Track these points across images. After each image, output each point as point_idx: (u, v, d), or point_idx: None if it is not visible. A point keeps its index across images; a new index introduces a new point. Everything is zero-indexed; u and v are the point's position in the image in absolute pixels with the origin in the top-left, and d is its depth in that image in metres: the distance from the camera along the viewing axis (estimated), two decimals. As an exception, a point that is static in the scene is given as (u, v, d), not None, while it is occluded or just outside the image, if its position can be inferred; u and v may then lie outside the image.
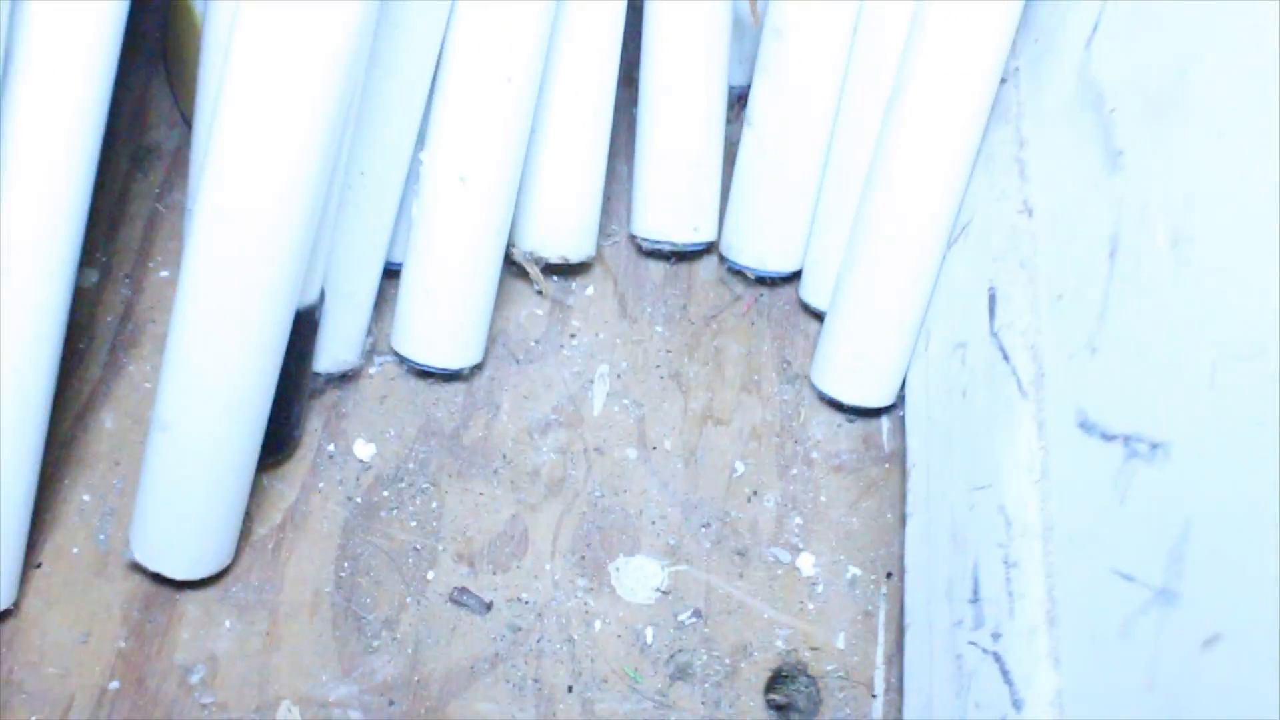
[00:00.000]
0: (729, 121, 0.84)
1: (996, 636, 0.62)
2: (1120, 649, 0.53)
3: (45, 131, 0.62)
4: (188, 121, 0.82)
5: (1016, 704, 0.59)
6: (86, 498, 0.73)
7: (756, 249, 0.83)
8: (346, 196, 0.70)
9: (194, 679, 0.68)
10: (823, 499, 0.78)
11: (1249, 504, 0.46)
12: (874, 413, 0.81)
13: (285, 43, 0.57)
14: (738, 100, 0.87)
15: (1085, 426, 0.60)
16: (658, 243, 0.83)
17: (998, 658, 0.61)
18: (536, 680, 0.70)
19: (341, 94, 0.60)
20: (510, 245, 0.80)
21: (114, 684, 0.68)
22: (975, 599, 0.64)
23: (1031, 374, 0.66)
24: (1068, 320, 0.64)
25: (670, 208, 0.82)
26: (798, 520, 0.77)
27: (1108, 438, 0.58)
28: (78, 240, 0.64)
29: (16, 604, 0.69)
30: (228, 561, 0.71)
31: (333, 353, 0.76)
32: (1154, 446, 0.54)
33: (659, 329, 0.83)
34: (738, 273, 0.84)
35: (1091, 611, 0.56)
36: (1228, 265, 0.51)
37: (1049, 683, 0.58)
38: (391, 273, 0.78)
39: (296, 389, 0.73)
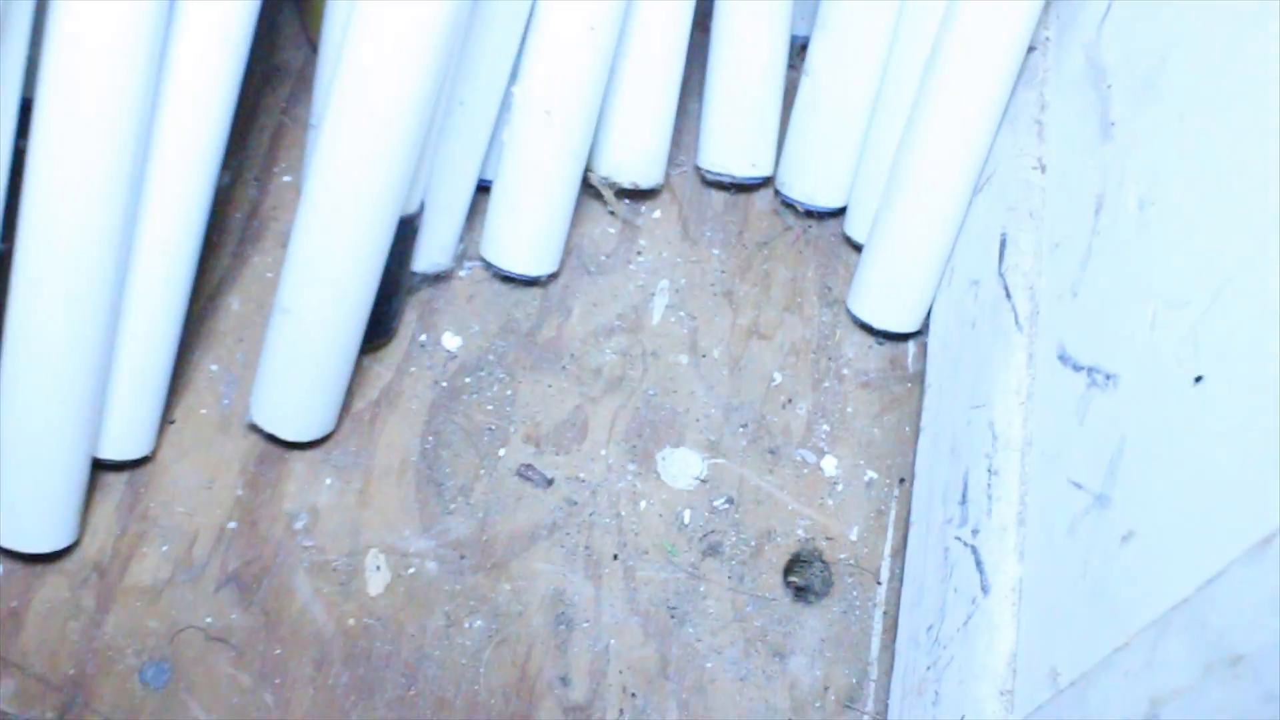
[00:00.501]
0: (790, 68, 0.94)
1: (975, 532, 0.72)
2: (1066, 544, 0.64)
3: (201, 55, 0.73)
4: (313, 46, 0.93)
5: (985, 588, 0.69)
6: (214, 367, 0.86)
7: (807, 185, 0.93)
8: (447, 122, 0.81)
9: (298, 525, 0.81)
10: (849, 410, 0.88)
11: (1166, 428, 0.56)
12: (901, 337, 0.91)
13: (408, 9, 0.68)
14: (799, 49, 0.96)
15: (1063, 358, 0.70)
16: (719, 174, 0.93)
17: (975, 550, 0.72)
18: (587, 548, 0.82)
19: (449, 32, 0.70)
20: (588, 170, 0.90)
21: (232, 524, 0.81)
22: (963, 501, 0.75)
23: (1027, 311, 0.76)
24: (1059, 266, 0.73)
25: (732, 144, 0.93)
26: (825, 427, 0.87)
27: (1077, 369, 0.68)
28: (221, 146, 0.76)
29: (154, 453, 0.82)
30: (331, 428, 0.83)
31: (429, 256, 0.87)
32: (1108, 377, 0.64)
33: (716, 251, 0.93)
34: (790, 205, 0.94)
35: (1049, 513, 0.67)
36: (1175, 228, 0.61)
37: (1013, 572, 0.69)
38: (483, 188, 0.89)
39: (397, 285, 0.85)
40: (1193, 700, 0.43)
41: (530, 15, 0.82)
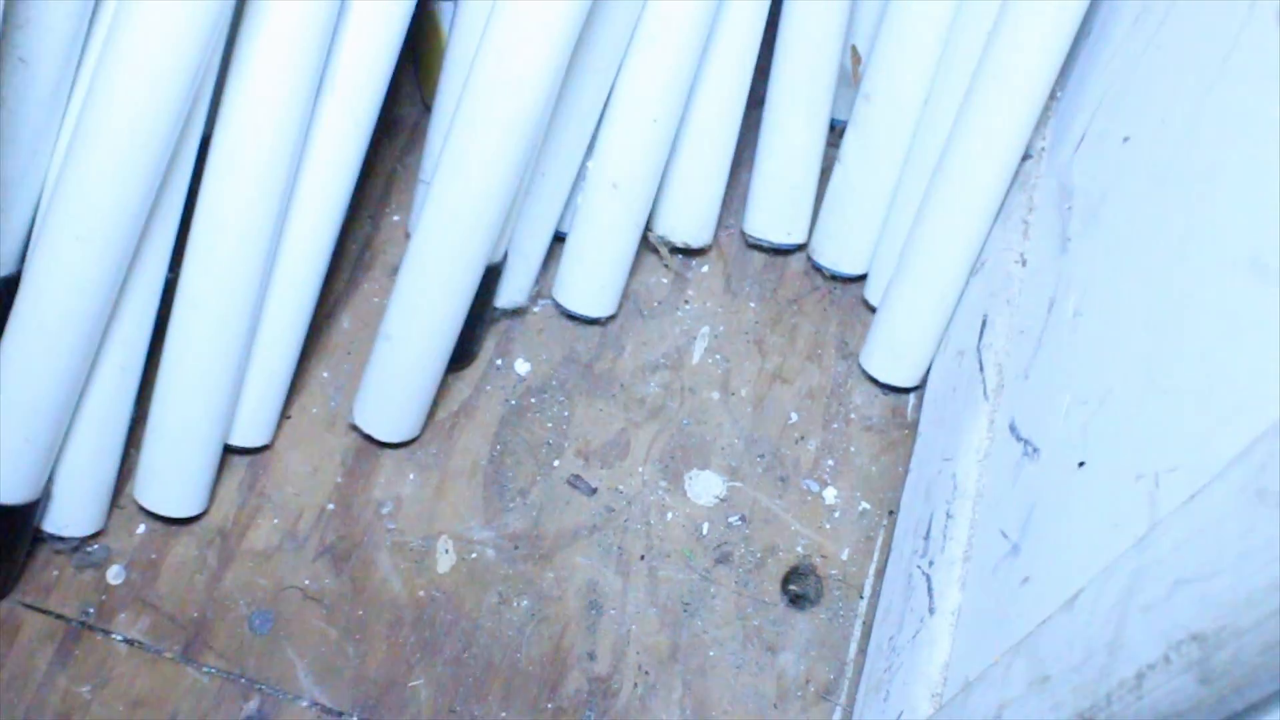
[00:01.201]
0: (829, 145, 1.10)
1: (931, 564, 0.88)
2: (990, 581, 0.79)
3: (339, 118, 0.90)
4: (427, 106, 1.10)
5: (931, 610, 0.85)
6: (325, 374, 1.03)
7: (835, 253, 1.09)
8: (531, 189, 0.98)
9: (384, 510, 0.99)
10: (852, 449, 1.04)
11: (1057, 499, 0.72)
12: (904, 391, 1.07)
13: (510, 74, 0.85)
14: (838, 131, 1.12)
15: (1012, 428, 0.86)
16: (760, 239, 1.10)
17: (928, 578, 0.87)
18: (620, 548, 0.99)
19: (536, 125, 0.87)
20: (647, 229, 1.07)
21: (330, 506, 0.99)
22: (927, 536, 0.91)
23: (994, 384, 0.91)
24: (1020, 350, 0.89)
25: (773, 214, 1.09)
26: (830, 462, 1.04)
27: (1019, 439, 0.83)
28: (349, 193, 0.93)
29: (272, 442, 1.00)
30: (417, 433, 1.01)
31: (509, 294, 1.04)
32: (1035, 450, 0.80)
33: (752, 304, 1.09)
34: (819, 269, 1.10)
35: (984, 554, 0.82)
36: (1092, 338, 0.76)
37: (954, 599, 0.84)
38: (559, 238, 1.06)
39: (480, 318, 1.02)
40: (1019, 707, 0.59)
41: (606, 104, 0.98)
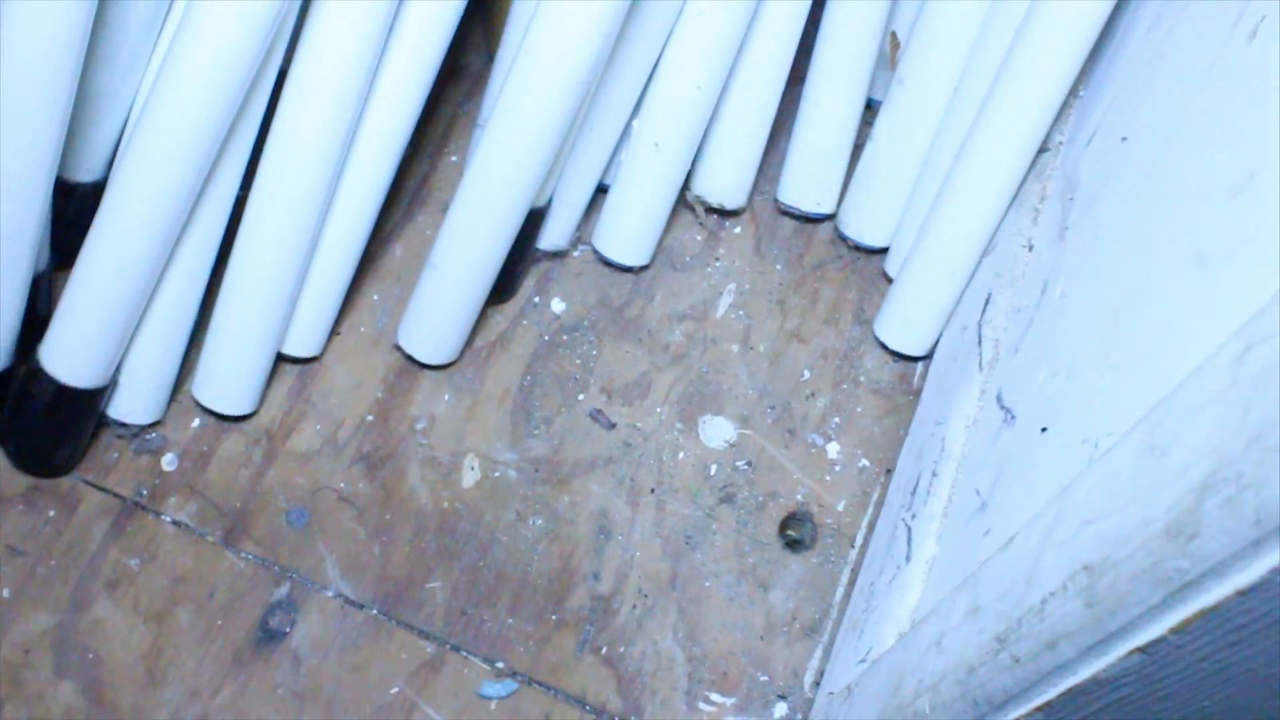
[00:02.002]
0: (864, 124, 1.16)
1: (914, 517, 0.95)
2: (961, 534, 0.87)
3: (406, 60, 0.98)
4: (491, 56, 1.18)
5: (908, 558, 0.93)
6: (375, 297, 1.12)
7: (860, 226, 1.16)
8: (579, 141, 1.06)
9: (419, 426, 1.07)
10: (858, 410, 1.11)
11: (1022, 461, 0.79)
12: (912, 359, 1.13)
13: (566, 32, 0.92)
14: (874, 110, 1.18)
15: (998, 398, 0.92)
16: (791, 207, 1.17)
17: (910, 529, 0.95)
18: (632, 480, 1.07)
19: (586, 79, 0.95)
20: (685, 188, 1.14)
21: (370, 417, 1.07)
22: (914, 492, 0.98)
23: (989, 358, 0.98)
24: (1014, 328, 0.96)
25: (806, 184, 1.16)
26: (836, 420, 1.11)
27: (1002, 408, 0.90)
28: (409, 131, 1.01)
29: (321, 355, 1.09)
30: (455, 358, 1.09)
31: (551, 237, 1.12)
32: (1013, 417, 0.87)
33: (779, 267, 1.17)
34: (844, 239, 1.17)
35: (960, 511, 0.89)
36: (1069, 319, 0.83)
37: (930, 550, 0.92)
38: (601, 189, 1.14)
39: (522, 256, 1.10)
40: (954, 633, 0.66)
41: (655, 68, 1.06)
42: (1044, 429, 0.77)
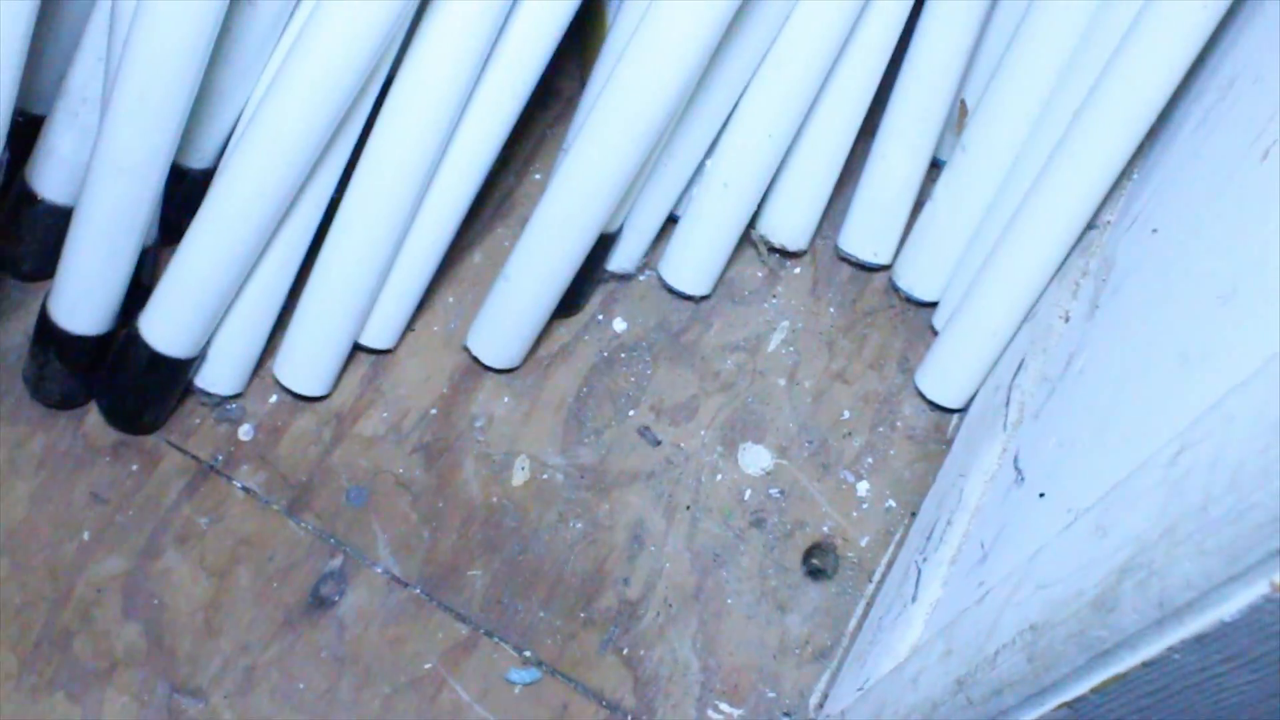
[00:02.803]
0: (927, 182, 1.23)
1: (925, 560, 1.01)
2: (962, 582, 0.93)
3: (504, 79, 1.06)
4: (583, 82, 1.25)
5: (914, 599, 0.99)
6: (450, 300, 1.20)
7: (913, 279, 1.22)
8: (653, 174, 1.13)
9: (477, 424, 1.15)
10: (892, 453, 1.18)
11: (1017, 521, 0.85)
12: (948, 411, 1.19)
13: (650, 72, 0.99)
14: (937, 170, 1.24)
15: (1015, 460, 0.98)
16: (850, 254, 1.23)
17: (920, 571, 1.01)
18: (670, 496, 1.14)
19: (666, 118, 1.02)
20: (751, 226, 1.21)
21: (433, 411, 1.15)
22: (929, 537, 1.04)
23: (1014, 419, 1.04)
24: (1039, 395, 1.02)
25: (865, 234, 1.22)
26: (869, 460, 1.17)
27: (1016, 469, 0.96)
28: (499, 146, 1.08)
29: (394, 348, 1.17)
30: (518, 364, 1.17)
31: (619, 260, 1.19)
32: (1023, 479, 0.93)
33: (832, 310, 1.23)
34: (897, 290, 1.24)
35: (966, 560, 0.96)
36: (1083, 395, 0.89)
37: (934, 593, 0.98)
38: (672, 219, 1.21)
39: (591, 275, 1.17)
40: (929, 673, 0.73)
41: (731, 113, 1.13)
42: (1041, 494, 0.83)
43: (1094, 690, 0.54)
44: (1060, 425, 0.90)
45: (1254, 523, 0.43)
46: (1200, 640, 0.47)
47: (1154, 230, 0.92)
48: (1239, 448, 0.45)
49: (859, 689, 0.96)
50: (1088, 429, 0.81)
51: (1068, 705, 0.56)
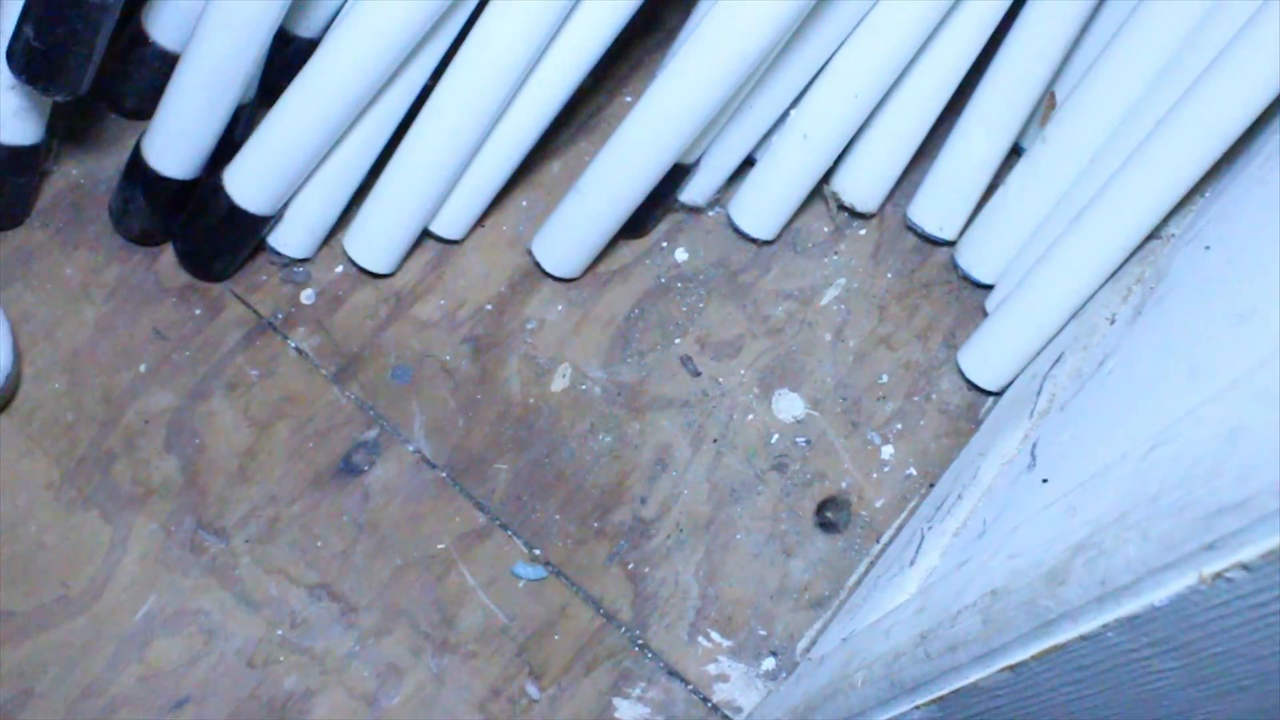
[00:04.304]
0: (1005, 166, 1.24)
1: (930, 528, 1.04)
2: (960, 552, 0.96)
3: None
4: (686, 14, 1.28)
5: (912, 562, 1.02)
6: (524, 203, 1.23)
7: (973, 259, 1.24)
8: (736, 115, 1.16)
9: (529, 326, 1.19)
10: (922, 423, 1.20)
11: (1021, 503, 0.88)
12: (984, 393, 1.22)
13: (736, 28, 1.02)
14: (1017, 154, 1.26)
15: (1034, 447, 1.01)
16: (917, 225, 1.25)
17: (923, 537, 1.04)
18: (700, 427, 1.17)
19: (753, 66, 1.04)
20: (825, 180, 1.23)
21: (489, 306, 1.19)
22: (939, 507, 1.07)
23: (1042, 409, 1.06)
24: (1069, 389, 1.04)
25: (935, 208, 1.24)
26: (898, 426, 1.20)
27: (1032, 456, 0.99)
28: (593, 62, 1.11)
29: (462, 240, 1.21)
30: (578, 275, 1.20)
31: (691, 193, 1.22)
32: (1034, 465, 0.95)
33: (890, 275, 1.26)
34: (956, 268, 1.26)
35: (968, 534, 0.98)
36: (1105, 397, 0.91)
37: (931, 561, 1.01)
38: (749, 161, 1.23)
39: (661, 202, 1.20)
40: (900, 628, 0.76)
41: (822, 68, 1.15)
42: (1045, 480, 0.85)
43: (1034, 657, 0.57)
44: (1079, 420, 0.92)
45: (1193, 516, 0.46)
46: (1132, 621, 0.50)
47: (1206, 247, 0.93)
48: (1197, 448, 0.48)
49: (843, 639, 1.00)
50: (1099, 427, 0.84)
51: (1010, 669, 0.59)
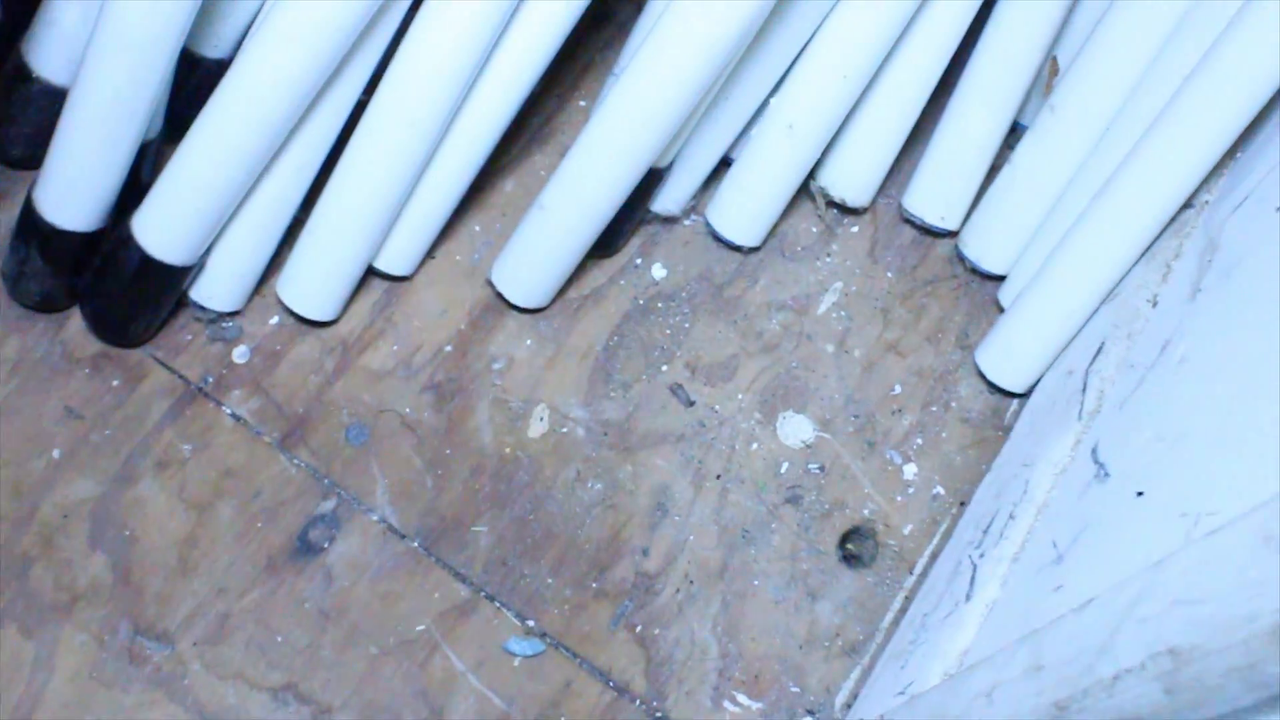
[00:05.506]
0: (1005, 146, 1.12)
1: (982, 555, 0.91)
2: (1028, 584, 0.83)
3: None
4: (638, 7, 1.15)
5: (968, 597, 0.89)
6: (477, 228, 1.09)
7: (981, 249, 1.11)
8: (711, 110, 1.03)
9: (495, 366, 1.05)
10: (943, 435, 1.07)
11: (1109, 521, 0.75)
12: (1008, 395, 1.09)
13: (710, 7, 0.89)
14: (1018, 133, 1.14)
15: (1093, 452, 0.88)
16: (914, 216, 1.13)
17: (975, 567, 0.91)
18: (700, 462, 1.04)
19: (734, 48, 0.91)
20: (810, 176, 1.11)
21: (448, 348, 1.05)
22: (986, 530, 0.94)
23: (1091, 408, 0.94)
24: (1124, 382, 0.91)
25: (933, 196, 1.11)
26: (919, 441, 1.07)
27: (1096, 462, 0.86)
28: (541, 69, 0.98)
29: (412, 276, 1.06)
30: (545, 304, 1.06)
31: (665, 201, 1.09)
32: (1106, 474, 0.82)
33: (889, 274, 1.13)
34: (962, 259, 1.13)
35: (1032, 559, 0.86)
36: (1187, 385, 0.79)
37: (992, 592, 0.88)
38: (725, 163, 1.10)
39: (632, 214, 1.06)
40: (1008, 688, 0.63)
41: (804, 49, 1.02)
42: (1140, 493, 0.73)
43: (1257, 737, 0.43)
44: (1157, 418, 0.80)
45: None
46: None
47: (1278, 209, 0.81)
48: None
49: (899, 693, 0.87)
50: (1200, 425, 0.71)
51: (1216, 752, 0.46)
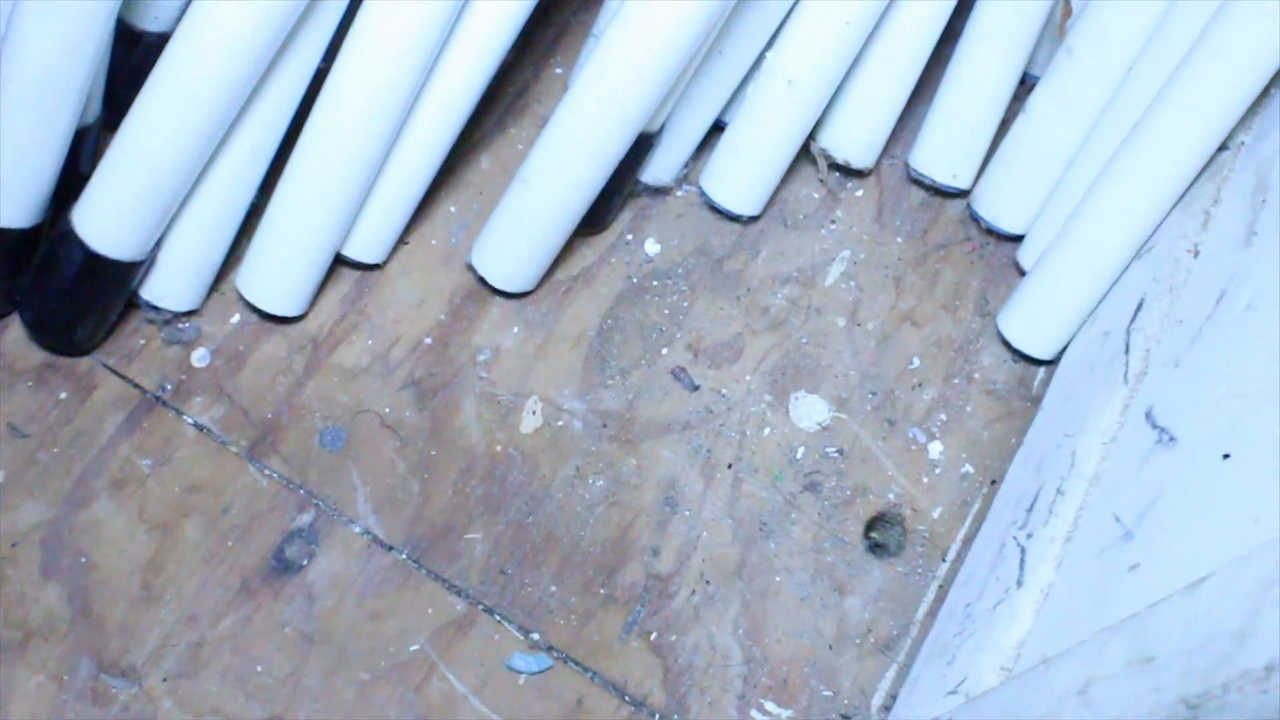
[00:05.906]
0: (1015, 99, 1.04)
1: (1030, 536, 0.83)
2: (1092, 564, 0.75)
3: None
4: (614, -36, 1.06)
5: (1020, 583, 0.81)
6: (453, 209, 1.00)
7: (996, 207, 1.03)
8: (704, 66, 0.94)
9: (480, 358, 0.96)
10: (968, 409, 0.99)
11: (1193, 489, 0.67)
12: (1035, 362, 1.01)
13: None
14: (1028, 86, 1.06)
15: (1148, 415, 0.80)
16: (923, 175, 1.05)
17: (1023, 550, 0.83)
18: (709, 451, 0.95)
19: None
20: (810, 137, 1.02)
21: (428, 340, 0.96)
22: (1030, 509, 0.86)
23: (1138, 370, 0.86)
24: (1175, 339, 0.83)
25: (943, 153, 1.03)
26: (942, 417, 0.99)
27: (1154, 427, 0.78)
28: (512, 36, 0.89)
29: (384, 264, 0.97)
30: (531, 288, 0.98)
31: (655, 170, 1.00)
32: (1172, 439, 0.74)
33: (899, 240, 1.05)
34: (976, 220, 1.05)
35: (1090, 537, 0.77)
36: (1260, 332, 0.71)
37: (1047, 576, 0.80)
38: (718, 127, 1.02)
39: (621, 187, 0.98)
40: (1111, 684, 0.55)
41: (799, -3, 0.94)
42: (1226, 455, 0.64)
43: None
44: (1228, 373, 0.72)
45: None
46: None
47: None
48: None
49: (950, 692, 0.78)
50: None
51: None
